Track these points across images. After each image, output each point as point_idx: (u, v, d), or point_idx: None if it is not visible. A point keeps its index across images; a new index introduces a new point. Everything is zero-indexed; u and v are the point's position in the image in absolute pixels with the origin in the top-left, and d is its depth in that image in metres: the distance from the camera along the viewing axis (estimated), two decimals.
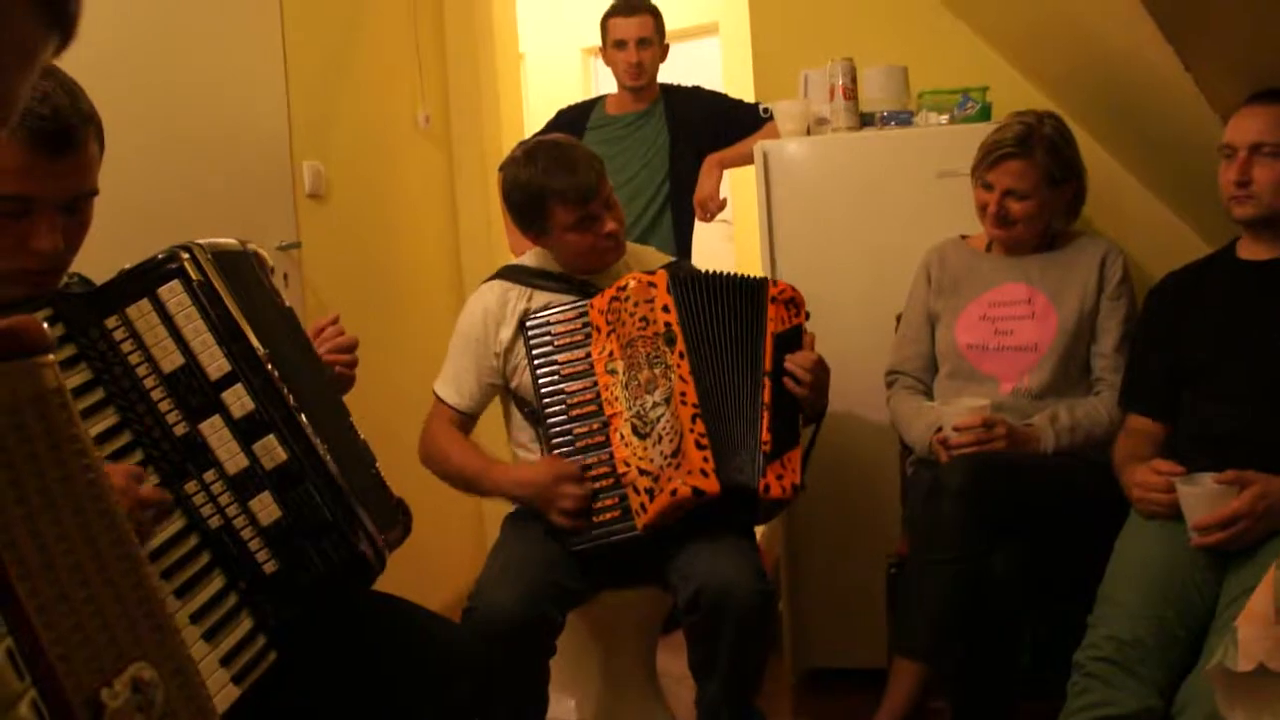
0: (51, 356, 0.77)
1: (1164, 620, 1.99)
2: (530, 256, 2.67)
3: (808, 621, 3.23)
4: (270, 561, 1.52)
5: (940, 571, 2.25)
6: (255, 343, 1.58)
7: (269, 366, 1.58)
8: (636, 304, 2.38)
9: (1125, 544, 2.16)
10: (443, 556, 3.64)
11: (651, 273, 2.42)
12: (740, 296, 2.43)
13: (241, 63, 3.09)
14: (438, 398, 2.60)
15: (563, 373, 2.41)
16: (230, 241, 1.74)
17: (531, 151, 2.52)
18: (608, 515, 2.33)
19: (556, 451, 2.39)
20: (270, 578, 1.53)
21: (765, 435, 2.33)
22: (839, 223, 3.13)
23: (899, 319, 2.86)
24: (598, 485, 2.35)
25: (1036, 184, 2.54)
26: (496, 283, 2.61)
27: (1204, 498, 2.03)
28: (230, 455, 1.53)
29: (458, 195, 4.29)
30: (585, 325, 2.42)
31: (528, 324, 2.46)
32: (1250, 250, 2.31)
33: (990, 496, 2.26)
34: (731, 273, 2.48)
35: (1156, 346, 2.37)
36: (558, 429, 2.40)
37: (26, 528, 0.71)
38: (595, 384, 2.39)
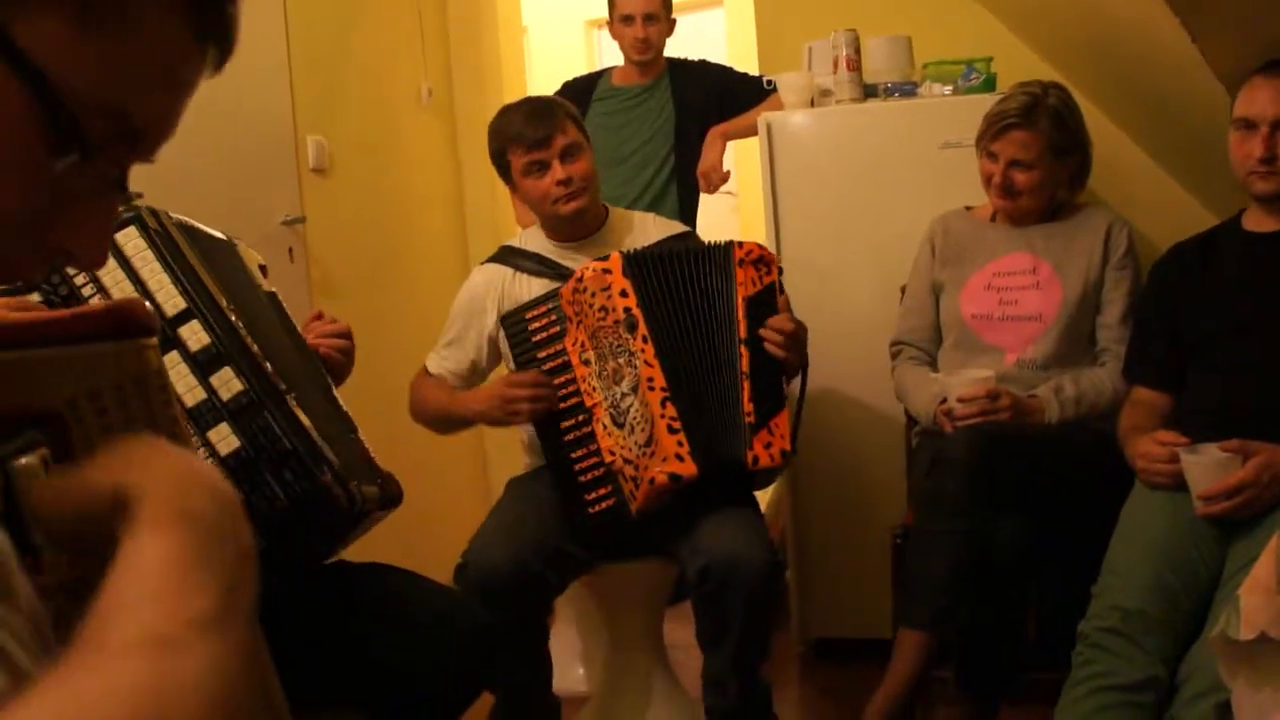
0: (156, 339, 0.80)
1: (1168, 590, 1.99)
2: (522, 236, 2.71)
3: (814, 592, 3.25)
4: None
5: (944, 542, 2.26)
6: (212, 285, 1.59)
7: (225, 308, 1.59)
8: (594, 293, 2.35)
9: (1130, 515, 2.17)
10: (450, 530, 3.66)
11: (605, 258, 2.40)
12: (704, 265, 2.40)
13: (243, 38, 3.07)
14: (424, 368, 2.66)
15: (543, 368, 2.41)
16: (217, 232, 1.79)
17: (508, 106, 2.63)
18: (603, 505, 2.35)
19: (545, 446, 2.41)
20: None
21: (748, 406, 2.32)
22: (843, 194, 3.13)
23: (903, 290, 2.86)
24: (590, 476, 2.36)
25: (1041, 154, 2.53)
26: (488, 265, 2.66)
27: (1209, 467, 2.04)
28: (188, 389, 1.53)
29: (462, 169, 4.28)
30: (560, 317, 2.41)
31: (504, 321, 2.47)
32: (1256, 222, 2.30)
33: (994, 467, 2.26)
34: (693, 243, 2.47)
35: (1161, 318, 2.37)
36: (545, 425, 2.41)
37: None
38: (574, 376, 2.39)
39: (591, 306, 2.35)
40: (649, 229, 2.66)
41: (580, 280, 2.37)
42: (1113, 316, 2.59)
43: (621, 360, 2.32)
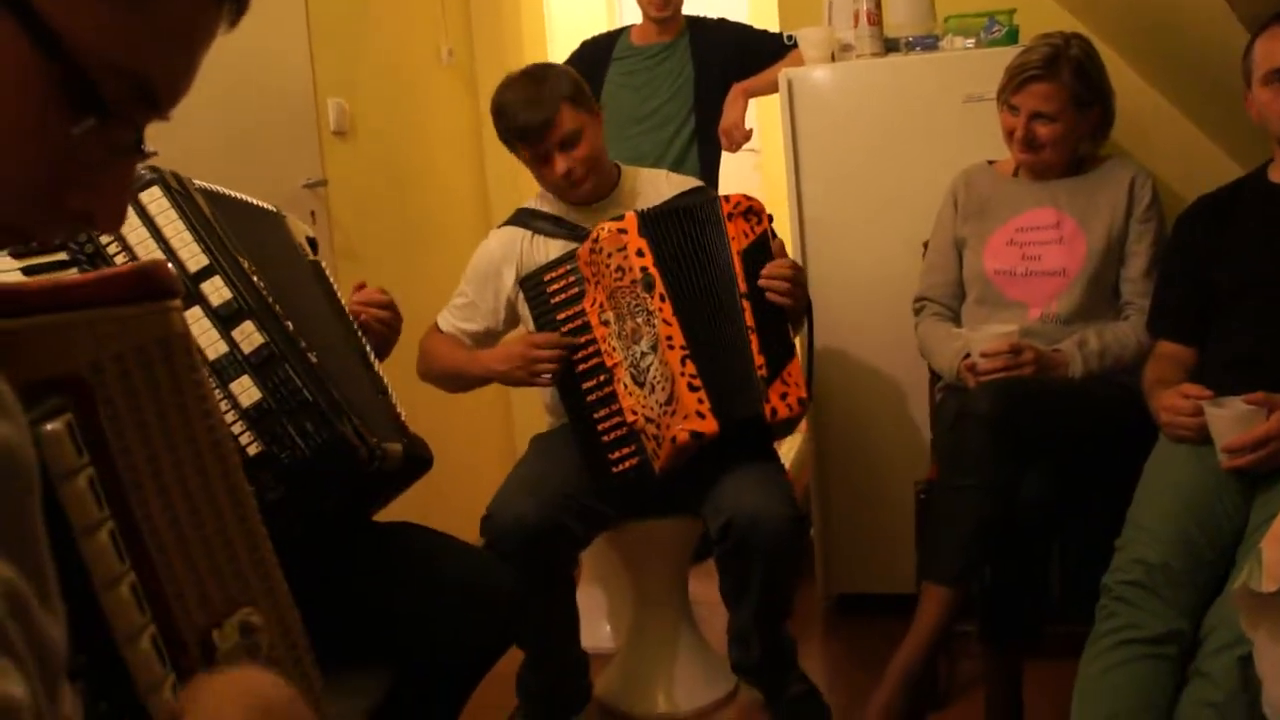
0: (179, 302, 0.80)
1: (1192, 544, 1.99)
2: (538, 198, 2.70)
3: (838, 547, 3.26)
4: (254, 444, 1.54)
5: (967, 497, 2.26)
6: (232, 245, 1.61)
7: (246, 268, 1.61)
8: (610, 254, 2.35)
9: (1153, 468, 2.16)
10: (476, 490, 3.68)
11: (621, 218, 2.40)
12: (702, 222, 2.41)
13: (262, 2, 3.07)
14: (435, 325, 2.68)
15: (563, 330, 2.42)
16: (264, 204, 1.85)
17: (507, 81, 2.55)
18: (627, 464, 2.36)
19: (568, 408, 2.43)
20: (254, 459, 1.54)
21: (758, 359, 2.33)
22: (865, 150, 3.11)
23: (926, 245, 2.85)
24: (613, 436, 2.37)
25: (1063, 106, 2.51)
26: (504, 229, 2.65)
27: (1233, 420, 2.03)
28: (210, 343, 1.56)
29: (483, 128, 4.27)
30: (579, 279, 2.42)
31: (523, 284, 2.47)
32: None
33: (1017, 422, 2.26)
34: (692, 199, 2.49)
35: (1185, 271, 2.35)
36: (566, 386, 2.42)
37: (150, 468, 0.74)
38: (594, 337, 2.39)
39: (609, 267, 2.35)
40: (661, 186, 2.65)
41: (596, 241, 2.37)
42: (1137, 270, 2.58)
43: (640, 319, 2.33)
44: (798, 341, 2.50)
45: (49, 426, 0.64)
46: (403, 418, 1.88)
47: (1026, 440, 2.26)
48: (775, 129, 3.34)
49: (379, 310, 2.02)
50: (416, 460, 1.83)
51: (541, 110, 2.44)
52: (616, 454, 2.36)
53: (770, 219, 2.45)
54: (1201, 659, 1.88)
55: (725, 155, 3.57)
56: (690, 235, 2.39)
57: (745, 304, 2.35)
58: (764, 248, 2.41)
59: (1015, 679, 2.40)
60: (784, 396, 2.33)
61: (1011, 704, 2.39)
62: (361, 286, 2.07)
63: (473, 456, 3.87)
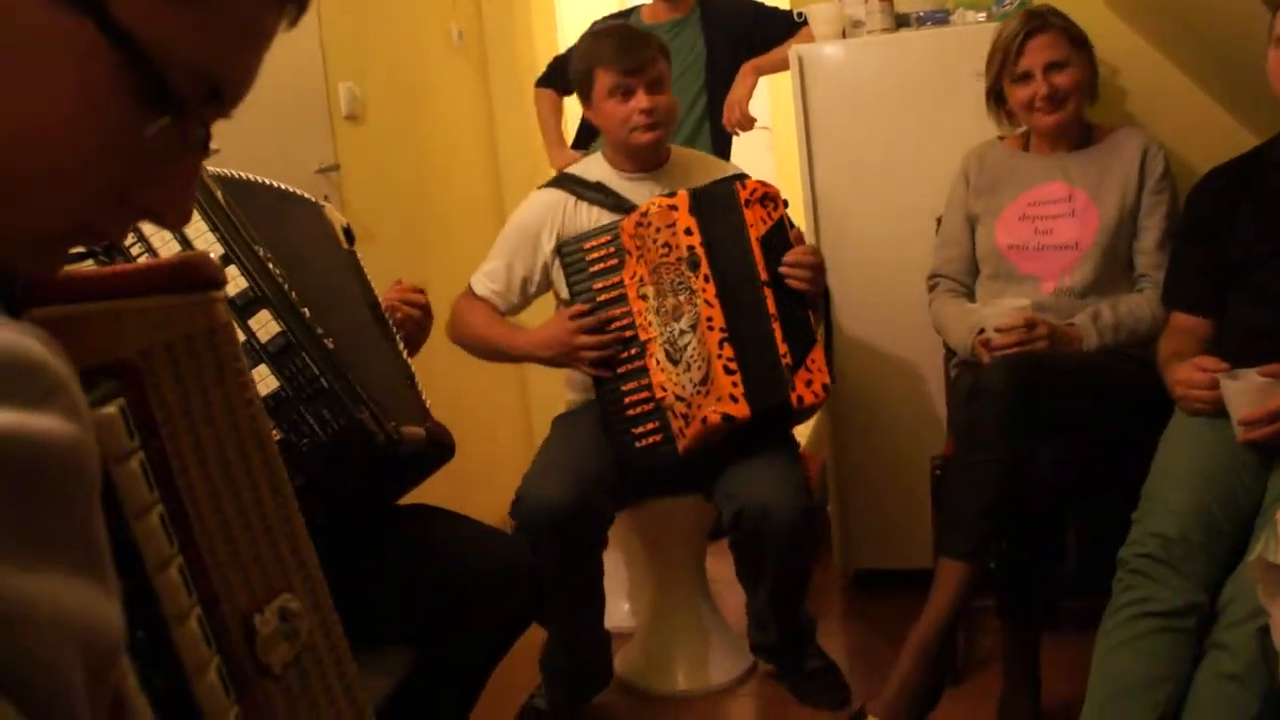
0: (222, 293, 0.81)
1: (1209, 516, 1.99)
2: (582, 165, 2.69)
3: (855, 524, 3.27)
4: (273, 430, 1.55)
5: (982, 472, 2.26)
6: (248, 234, 1.62)
7: (262, 256, 1.62)
8: (658, 229, 2.36)
9: (1169, 442, 2.16)
10: (493, 471, 3.71)
11: (672, 194, 2.41)
12: (729, 207, 2.41)
13: None
14: (469, 289, 2.65)
15: (599, 299, 2.43)
16: (300, 192, 1.88)
17: (599, 31, 2.64)
18: (650, 440, 2.37)
19: (596, 378, 2.44)
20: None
21: (782, 347, 2.34)
22: (876, 125, 3.11)
23: (939, 222, 2.85)
24: (639, 410, 2.38)
25: (1069, 49, 2.57)
26: (547, 190, 2.64)
27: (1249, 392, 2.03)
28: None
29: (495, 111, 4.27)
30: (618, 250, 2.42)
31: (563, 250, 2.47)
32: None
33: (1032, 397, 2.26)
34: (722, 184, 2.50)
35: (1199, 242, 2.35)
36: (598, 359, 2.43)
37: (196, 456, 0.75)
38: (630, 310, 2.40)
39: (655, 242, 2.36)
40: (710, 168, 2.66)
41: (645, 215, 2.38)
42: (1150, 242, 2.58)
43: (682, 298, 2.34)
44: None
45: (103, 410, 0.65)
46: (428, 406, 1.89)
47: (1041, 415, 2.26)
48: (788, 107, 3.33)
49: (411, 309, 2.04)
50: (439, 447, 1.85)
51: (640, 52, 2.48)
52: (640, 429, 2.38)
53: (786, 204, 2.46)
54: (1219, 631, 1.88)
55: (741, 135, 3.57)
56: (731, 220, 2.40)
57: (766, 291, 2.36)
58: (781, 234, 2.41)
59: (1032, 653, 2.41)
60: (809, 384, 2.34)
61: (1029, 678, 2.41)
62: (399, 281, 2.08)
63: (490, 439, 3.89)
